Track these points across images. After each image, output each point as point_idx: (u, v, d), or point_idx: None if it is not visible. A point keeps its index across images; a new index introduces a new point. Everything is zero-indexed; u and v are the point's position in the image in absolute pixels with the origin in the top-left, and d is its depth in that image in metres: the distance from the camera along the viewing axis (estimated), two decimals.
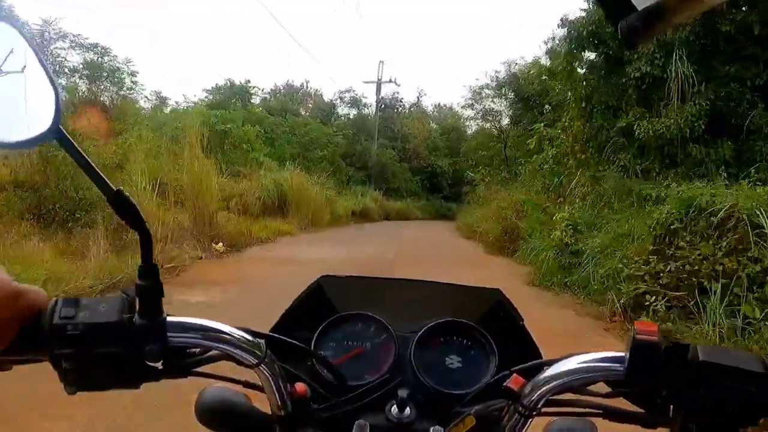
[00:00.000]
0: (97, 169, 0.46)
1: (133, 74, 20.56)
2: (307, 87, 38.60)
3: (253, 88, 24.35)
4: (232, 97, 23.93)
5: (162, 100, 21.00)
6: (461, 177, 38.31)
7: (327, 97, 37.84)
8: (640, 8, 0.34)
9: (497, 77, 23.17)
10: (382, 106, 36.87)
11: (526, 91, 20.50)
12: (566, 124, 10.02)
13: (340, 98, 37.94)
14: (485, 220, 13.50)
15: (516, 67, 22.25)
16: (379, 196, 27.08)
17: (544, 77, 20.05)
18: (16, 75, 0.47)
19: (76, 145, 0.46)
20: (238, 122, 18.76)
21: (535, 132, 11.88)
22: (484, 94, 24.78)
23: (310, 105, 36.78)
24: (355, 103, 37.49)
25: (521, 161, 16.89)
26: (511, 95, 22.63)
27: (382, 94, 36.30)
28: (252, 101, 25.20)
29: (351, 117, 36.37)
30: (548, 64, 21.34)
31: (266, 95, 33.73)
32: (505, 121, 24.52)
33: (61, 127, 0.46)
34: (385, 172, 32.64)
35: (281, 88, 36.99)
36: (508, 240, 10.52)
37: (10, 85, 0.48)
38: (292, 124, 25.13)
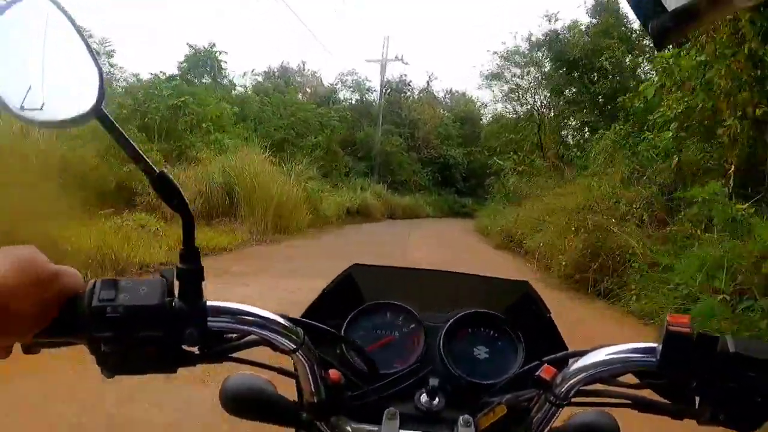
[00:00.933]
0: (140, 151, 0.46)
1: (109, 54, 18.60)
2: (303, 68, 34.03)
3: (220, 53, 19.60)
4: (195, 67, 19.30)
5: (140, 82, 17.41)
6: (477, 169, 33.85)
7: (327, 82, 33.20)
8: (670, 8, 0.34)
9: (530, 39, 18.32)
10: (388, 90, 32.21)
11: (572, 53, 15.72)
12: (717, 52, 5.28)
13: (341, 81, 33.34)
14: (533, 227, 8.84)
15: (557, 22, 17.36)
16: (383, 191, 22.51)
17: (584, 39, 15.45)
18: (59, 54, 0.46)
19: (118, 126, 0.46)
20: (203, 96, 14.37)
21: (655, 65, 6.96)
22: (513, 61, 19.83)
23: (308, 90, 32.01)
24: (358, 87, 32.76)
25: (579, 139, 12.13)
26: (546, 67, 17.81)
27: (388, 76, 31.66)
28: (223, 72, 20.52)
29: (353, 102, 31.67)
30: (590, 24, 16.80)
31: (257, 77, 29.14)
32: (533, 99, 19.69)
33: (103, 107, 0.46)
34: (391, 162, 27.97)
35: (275, 70, 32.39)
36: (597, 268, 5.85)
37: (53, 63, 0.47)
38: (276, 104, 20.55)
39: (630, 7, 0.36)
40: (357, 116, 28.71)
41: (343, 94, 32.89)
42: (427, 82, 36.88)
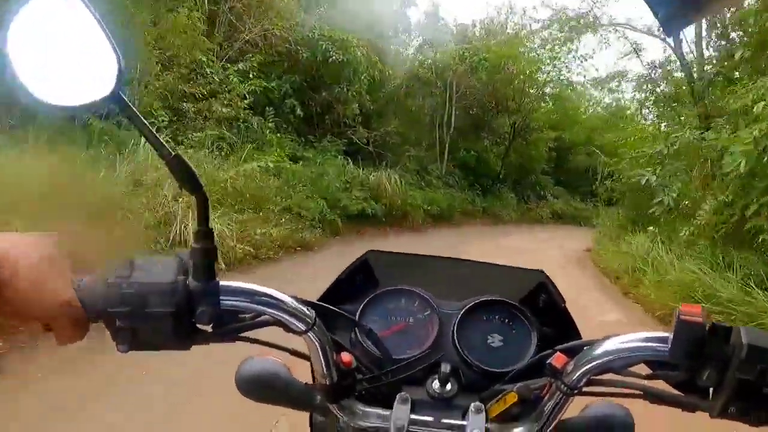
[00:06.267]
0: (156, 135, 0.47)
1: None
2: None
3: None
4: None
5: None
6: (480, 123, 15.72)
7: None
8: None
9: None
10: None
11: None
12: None
13: None
14: None
15: None
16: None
17: None
18: (77, 39, 0.47)
19: (136, 111, 0.47)
20: None
21: None
22: None
23: None
24: None
25: None
26: None
27: None
28: None
29: None
30: None
31: None
32: None
33: (121, 93, 0.47)
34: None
35: None
36: None
37: (71, 49, 0.48)
38: None
39: None
40: None
41: None
42: None
